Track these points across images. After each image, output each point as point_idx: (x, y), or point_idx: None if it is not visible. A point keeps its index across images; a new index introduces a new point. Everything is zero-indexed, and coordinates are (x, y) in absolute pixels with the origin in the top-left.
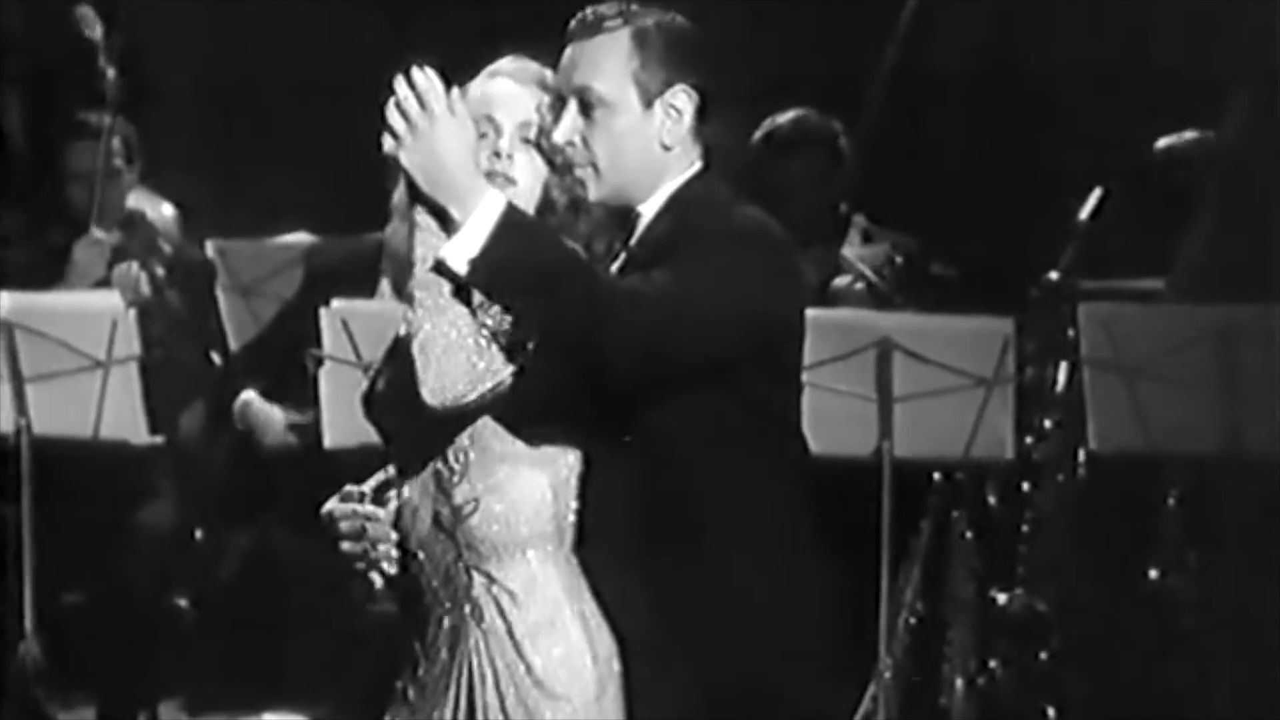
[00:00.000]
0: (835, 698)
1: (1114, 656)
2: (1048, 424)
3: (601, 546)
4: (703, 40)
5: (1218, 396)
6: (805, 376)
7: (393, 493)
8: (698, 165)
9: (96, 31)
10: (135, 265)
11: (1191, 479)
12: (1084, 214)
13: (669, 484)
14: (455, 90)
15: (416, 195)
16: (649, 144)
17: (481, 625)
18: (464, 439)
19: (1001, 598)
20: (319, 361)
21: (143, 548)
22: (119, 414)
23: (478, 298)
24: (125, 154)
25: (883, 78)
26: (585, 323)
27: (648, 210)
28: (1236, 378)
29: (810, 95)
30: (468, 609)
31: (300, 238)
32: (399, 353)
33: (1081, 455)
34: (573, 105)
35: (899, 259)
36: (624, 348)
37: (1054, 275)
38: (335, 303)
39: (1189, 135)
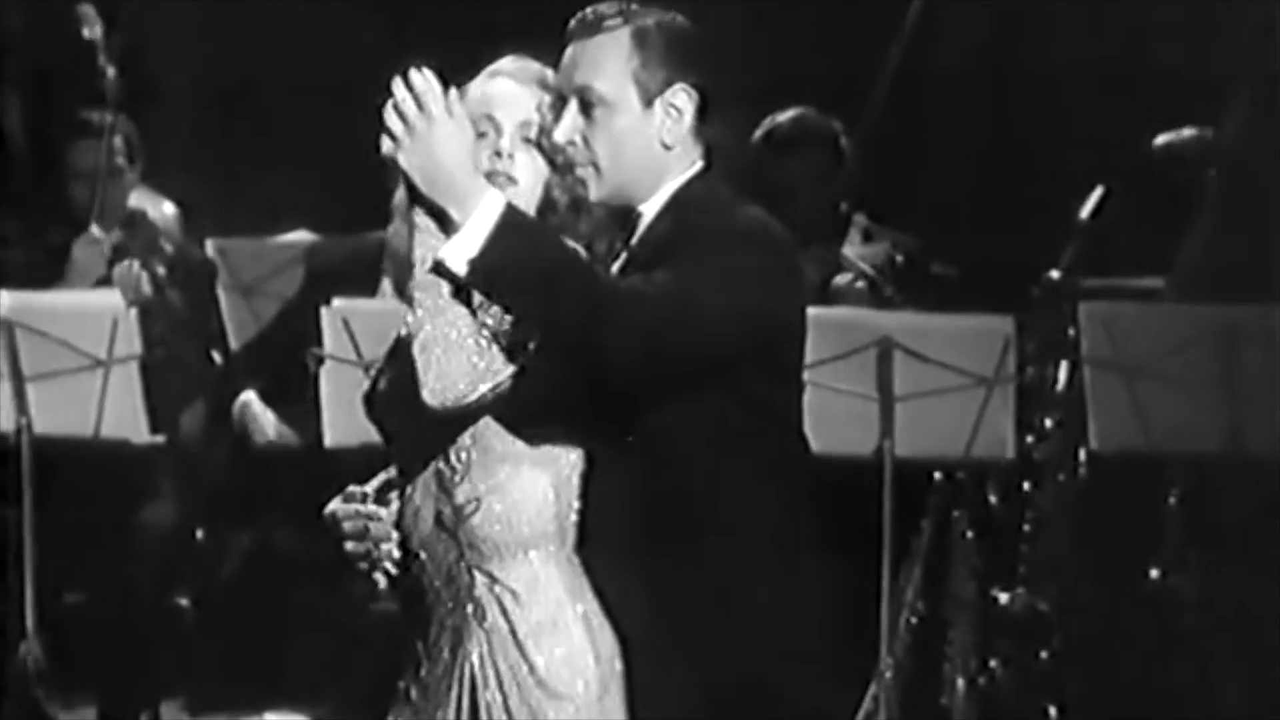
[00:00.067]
0: (836, 697)
1: (1115, 656)
2: (1048, 423)
3: (603, 546)
4: (703, 39)
5: (1218, 396)
6: (806, 375)
7: (394, 493)
8: (699, 165)
9: (96, 30)
10: (136, 264)
11: (1192, 478)
12: (1084, 213)
13: (670, 484)
14: (453, 91)
15: (415, 197)
16: (649, 143)
17: (484, 625)
18: (466, 439)
19: (1003, 597)
20: (320, 360)
21: (144, 547)
22: (120, 413)
23: (478, 298)
24: (127, 153)
25: (886, 78)
26: (585, 323)
27: (649, 210)
28: (1237, 377)
29: (811, 94)
30: (470, 609)
31: (301, 236)
32: (400, 353)
33: (1082, 455)
34: (573, 105)
35: (900, 258)
36: (624, 347)
37: (1055, 274)
38: (336, 302)
39: (1187, 132)
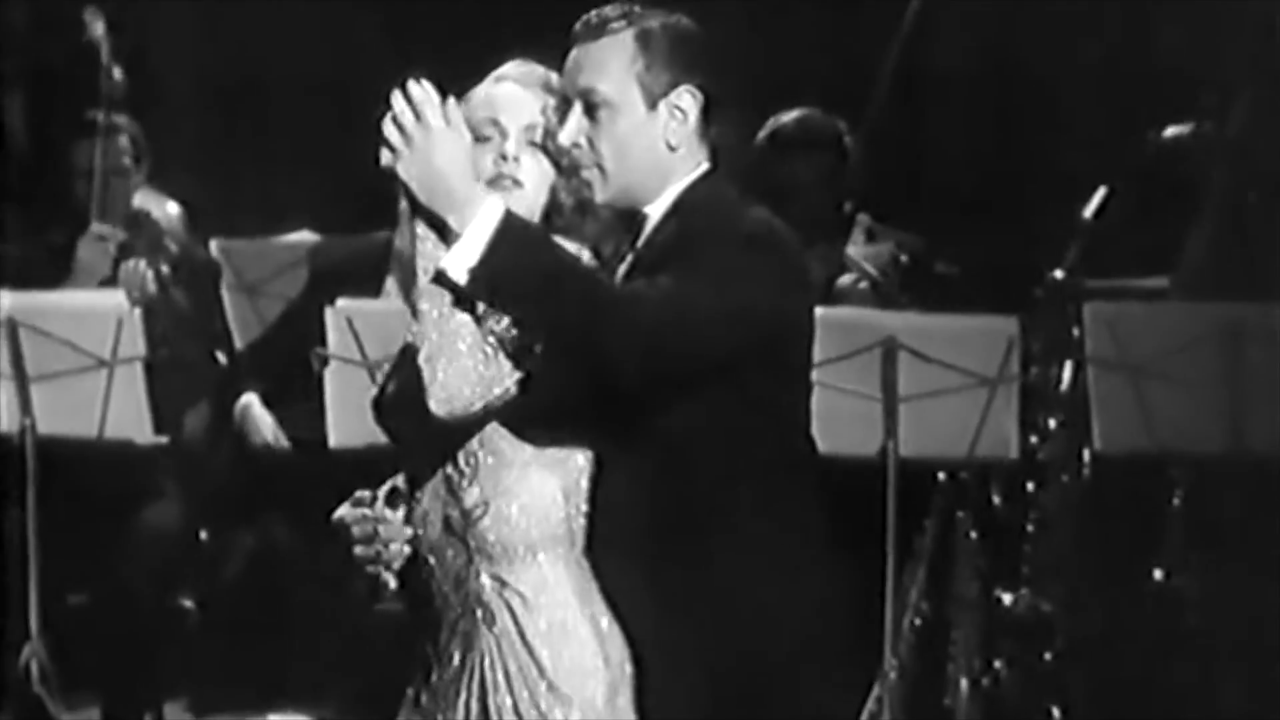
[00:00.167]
0: (842, 697)
1: (1119, 656)
2: (1052, 423)
3: (612, 549)
4: (707, 41)
5: (1223, 396)
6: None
7: (403, 499)
8: (704, 166)
9: (99, 30)
10: (142, 263)
11: (1196, 479)
12: (1088, 213)
13: (678, 485)
14: (450, 101)
15: (415, 207)
16: (654, 145)
17: (493, 629)
18: (474, 442)
19: (1006, 598)
20: (324, 361)
21: (147, 548)
22: (124, 413)
23: (482, 305)
24: (133, 153)
25: (886, 76)
26: (586, 328)
27: (654, 212)
28: (1242, 377)
29: (814, 95)
30: (479, 613)
31: (305, 237)
32: (407, 359)
33: (1086, 455)
34: (578, 107)
35: (903, 258)
36: (626, 353)
37: (1058, 274)
38: (340, 302)
39: (1190, 126)
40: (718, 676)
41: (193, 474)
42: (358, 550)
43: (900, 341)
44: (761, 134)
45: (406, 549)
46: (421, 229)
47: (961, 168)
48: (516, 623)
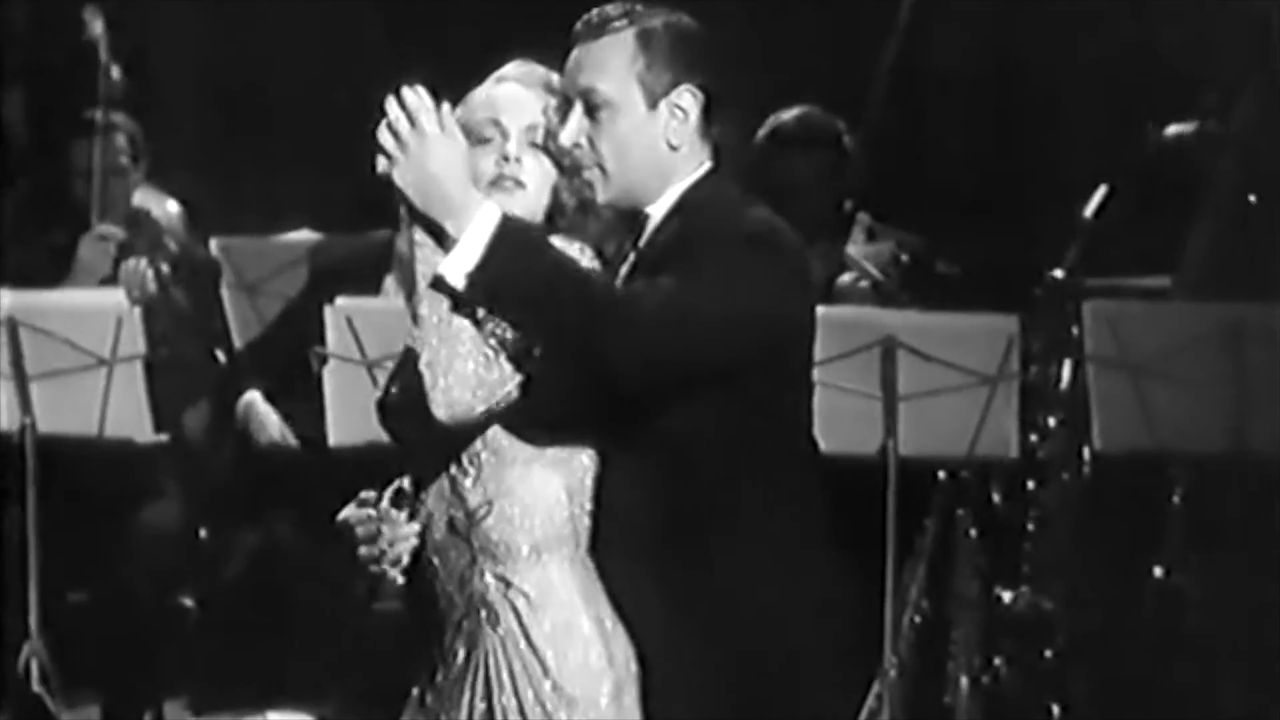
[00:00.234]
0: (844, 696)
1: (1119, 655)
2: (1052, 422)
3: (616, 549)
4: (709, 40)
5: (1223, 395)
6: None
7: (407, 500)
8: (707, 165)
9: (97, 29)
10: (143, 262)
11: (1197, 477)
12: (1088, 211)
13: (681, 485)
14: (445, 106)
15: (412, 213)
16: (655, 144)
17: (497, 629)
18: (477, 442)
19: (1006, 596)
20: (324, 359)
21: (147, 547)
22: (124, 412)
23: (481, 309)
24: (131, 152)
25: (883, 73)
26: (585, 332)
27: (656, 211)
28: (1242, 376)
29: (814, 93)
30: (483, 614)
31: (304, 235)
32: (410, 361)
33: (1086, 453)
34: (578, 107)
35: (903, 257)
36: (624, 357)
37: (1058, 273)
38: (339, 301)
39: (1192, 125)
40: (722, 676)
41: (193, 473)
42: (362, 551)
43: (900, 340)
44: (761, 132)
45: (410, 549)
46: (419, 235)
47: (962, 167)
48: (521, 623)
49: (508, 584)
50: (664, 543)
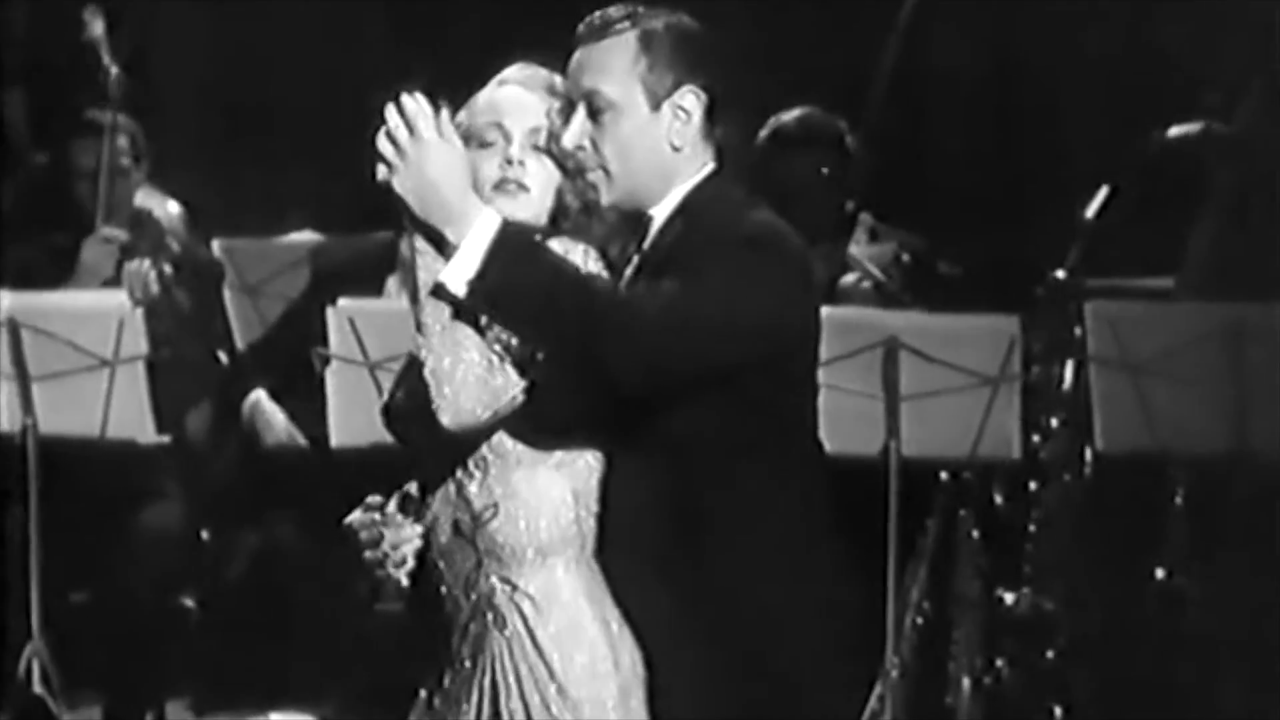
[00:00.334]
0: (847, 697)
1: (1120, 656)
2: (1054, 423)
3: (623, 551)
4: (711, 41)
5: (1225, 395)
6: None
7: (413, 506)
8: (710, 166)
9: (98, 30)
10: (146, 263)
11: (1198, 478)
12: (1090, 212)
13: (687, 488)
14: (444, 113)
15: (413, 221)
16: (658, 146)
17: (504, 632)
18: (482, 445)
19: (1008, 597)
20: (326, 360)
21: (149, 548)
22: (125, 413)
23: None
24: (132, 152)
25: (885, 73)
26: (586, 338)
27: (660, 213)
28: (1243, 376)
29: (816, 94)
30: (490, 617)
31: (306, 236)
32: (416, 366)
33: (1088, 454)
34: (581, 109)
35: (905, 257)
36: (626, 362)
37: (1060, 273)
38: (342, 302)
39: (1194, 125)
40: (726, 677)
41: (194, 474)
42: (366, 555)
43: (902, 341)
44: (763, 133)
45: (414, 551)
46: (421, 244)
47: (964, 167)
48: (527, 626)
49: (513, 587)
50: (669, 545)
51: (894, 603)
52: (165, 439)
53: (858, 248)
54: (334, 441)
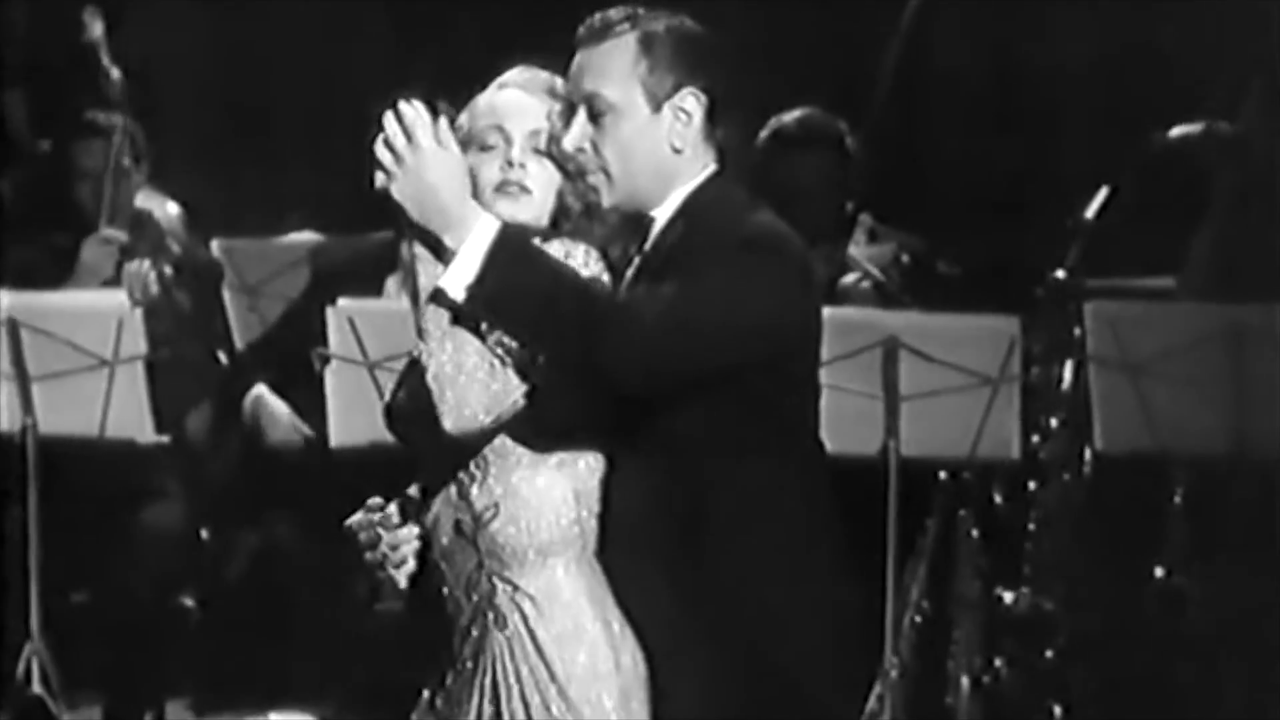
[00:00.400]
0: (847, 697)
1: (1120, 655)
2: (1054, 423)
3: (624, 551)
4: (712, 43)
5: (1224, 395)
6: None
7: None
8: (711, 168)
9: (97, 30)
10: (146, 263)
11: (1197, 478)
12: (1089, 213)
13: (688, 489)
14: (442, 120)
15: (412, 227)
16: (658, 147)
17: (505, 633)
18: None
19: (1007, 596)
20: (325, 360)
21: (149, 547)
22: (125, 413)
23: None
24: (133, 154)
25: (885, 74)
26: (585, 342)
27: (661, 215)
28: (1243, 377)
29: (817, 94)
30: (491, 617)
31: (306, 237)
32: (417, 368)
33: (1088, 454)
34: (582, 112)
35: (905, 258)
36: (625, 366)
37: (1060, 274)
38: (341, 302)
39: (1193, 127)
40: (726, 677)
41: (194, 474)
42: (367, 556)
43: (902, 341)
44: (763, 134)
45: (414, 552)
46: (421, 250)
47: (963, 168)
48: (528, 626)
49: (515, 587)
50: (670, 545)
51: (893, 602)
52: (164, 439)
53: (857, 248)
54: (334, 441)
